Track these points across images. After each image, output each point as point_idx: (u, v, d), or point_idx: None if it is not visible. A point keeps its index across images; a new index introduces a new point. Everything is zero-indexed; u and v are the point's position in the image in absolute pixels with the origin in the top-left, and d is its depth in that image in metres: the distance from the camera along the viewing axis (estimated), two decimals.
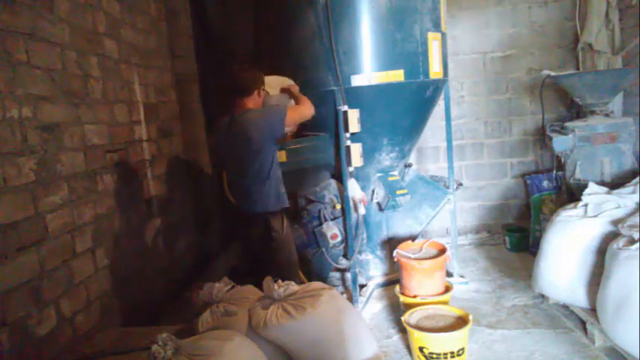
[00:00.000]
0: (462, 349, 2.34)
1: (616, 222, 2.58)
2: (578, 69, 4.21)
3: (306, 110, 2.69)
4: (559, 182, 3.91)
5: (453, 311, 2.54)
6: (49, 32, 2.15)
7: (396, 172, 3.43)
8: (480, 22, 4.34)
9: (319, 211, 3.21)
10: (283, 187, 2.63)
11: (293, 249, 2.70)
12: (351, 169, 3.07)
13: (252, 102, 2.59)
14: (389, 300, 3.28)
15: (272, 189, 2.55)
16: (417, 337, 2.36)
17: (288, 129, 2.67)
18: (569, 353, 2.50)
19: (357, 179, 3.16)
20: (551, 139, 3.59)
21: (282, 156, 2.85)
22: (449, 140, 3.54)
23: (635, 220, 2.46)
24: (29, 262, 1.89)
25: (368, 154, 3.17)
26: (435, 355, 2.31)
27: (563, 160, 3.65)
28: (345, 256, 3.30)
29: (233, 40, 3.99)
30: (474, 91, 4.44)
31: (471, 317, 2.42)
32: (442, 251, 3.00)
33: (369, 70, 3.03)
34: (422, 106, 3.31)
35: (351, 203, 3.10)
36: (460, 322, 2.43)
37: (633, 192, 2.81)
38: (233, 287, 2.21)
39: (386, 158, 3.37)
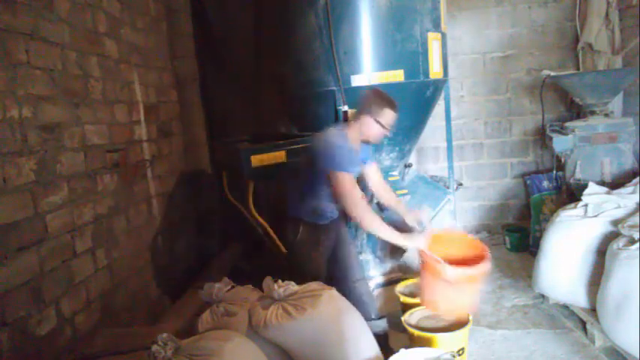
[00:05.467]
0: (462, 349, 2.33)
1: (616, 222, 2.58)
2: (578, 69, 4.22)
3: (355, 205, 2.32)
4: (559, 182, 3.91)
5: None
6: (49, 32, 2.14)
7: (396, 172, 3.43)
8: (480, 22, 4.34)
9: None
10: (323, 206, 2.51)
11: (307, 257, 2.57)
12: None
13: (358, 124, 2.46)
14: (389, 300, 3.28)
15: (304, 202, 2.52)
16: (417, 338, 2.36)
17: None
18: (569, 353, 2.50)
19: None
20: (551, 139, 3.59)
21: (282, 156, 2.85)
22: (449, 140, 3.54)
23: (635, 220, 2.46)
24: (29, 262, 1.89)
25: None
26: None
27: (563, 160, 3.65)
28: None
29: (233, 40, 3.98)
30: (474, 91, 4.44)
31: (470, 317, 2.42)
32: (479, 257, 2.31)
33: (369, 70, 3.03)
34: (422, 106, 3.31)
35: None
36: (460, 322, 2.43)
37: (633, 192, 2.81)
38: (233, 287, 2.21)
39: (386, 158, 3.37)
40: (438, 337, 2.31)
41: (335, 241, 2.61)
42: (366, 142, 2.53)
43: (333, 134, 2.44)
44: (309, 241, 2.55)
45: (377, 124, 2.41)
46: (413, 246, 2.32)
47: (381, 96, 2.44)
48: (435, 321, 2.47)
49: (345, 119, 3.00)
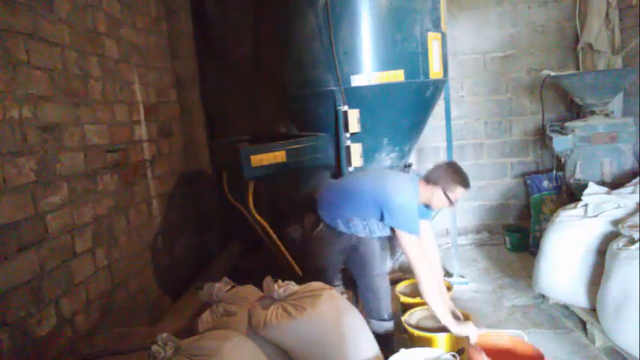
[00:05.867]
0: (463, 349, 2.33)
1: (616, 222, 2.58)
2: (578, 69, 4.22)
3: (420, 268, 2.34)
4: (559, 182, 3.91)
5: None
6: (49, 32, 2.14)
7: None
8: (480, 22, 4.34)
9: None
10: (350, 227, 2.50)
11: (316, 255, 2.61)
12: (351, 169, 3.07)
13: (427, 190, 2.45)
14: None
15: (339, 216, 2.51)
16: (417, 338, 2.36)
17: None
18: (569, 353, 2.50)
19: None
20: (551, 139, 3.59)
21: (282, 156, 2.85)
22: (449, 140, 3.54)
23: (635, 220, 2.46)
24: (29, 262, 1.89)
25: (368, 154, 3.17)
26: None
27: (563, 160, 3.65)
28: None
29: (233, 40, 3.99)
30: (474, 91, 4.44)
31: (471, 317, 2.41)
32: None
33: (369, 70, 3.02)
34: (422, 106, 3.31)
35: None
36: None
37: (633, 192, 2.81)
38: (233, 287, 2.21)
39: (386, 158, 3.37)
40: (438, 337, 2.31)
41: (355, 241, 2.58)
42: (425, 206, 2.54)
43: (408, 190, 2.42)
44: (324, 240, 2.57)
45: (445, 197, 2.42)
46: (462, 333, 2.30)
47: (457, 172, 2.44)
48: (435, 321, 2.47)
49: (346, 121, 3.01)
